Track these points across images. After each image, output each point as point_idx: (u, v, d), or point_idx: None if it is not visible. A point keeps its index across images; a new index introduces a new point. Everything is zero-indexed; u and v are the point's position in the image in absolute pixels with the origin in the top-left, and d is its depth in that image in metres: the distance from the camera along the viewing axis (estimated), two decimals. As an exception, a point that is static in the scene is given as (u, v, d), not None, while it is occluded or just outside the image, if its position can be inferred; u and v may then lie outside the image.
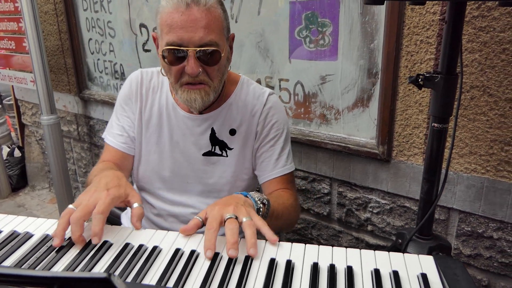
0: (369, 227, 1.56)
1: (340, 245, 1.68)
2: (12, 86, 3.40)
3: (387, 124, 1.37)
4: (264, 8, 1.59)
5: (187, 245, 0.83)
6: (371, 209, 1.53)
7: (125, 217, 1.43)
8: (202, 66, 0.99)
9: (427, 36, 1.23)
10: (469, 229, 1.32)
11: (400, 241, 1.18)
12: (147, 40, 2.09)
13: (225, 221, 0.81)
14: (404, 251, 1.12)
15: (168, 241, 0.84)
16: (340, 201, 1.61)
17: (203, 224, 0.86)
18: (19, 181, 3.37)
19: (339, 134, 1.53)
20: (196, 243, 0.83)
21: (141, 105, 1.20)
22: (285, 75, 1.62)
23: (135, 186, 1.30)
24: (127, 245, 0.83)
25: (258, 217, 0.84)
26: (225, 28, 1.03)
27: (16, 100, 3.37)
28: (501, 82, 1.14)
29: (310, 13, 1.47)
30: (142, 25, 2.09)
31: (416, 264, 0.76)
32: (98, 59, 2.42)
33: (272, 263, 0.75)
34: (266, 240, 0.83)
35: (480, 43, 1.14)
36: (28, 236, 0.87)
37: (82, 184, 2.99)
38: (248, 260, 0.76)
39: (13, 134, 4.55)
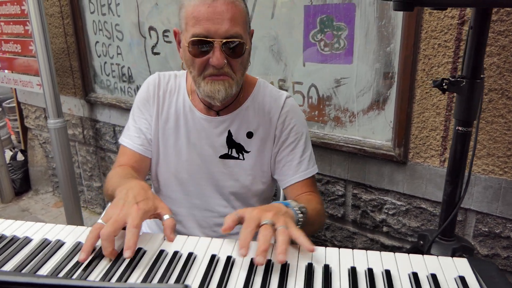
0: (385, 229, 1.58)
1: (354, 247, 1.69)
2: (15, 89, 3.38)
3: (403, 127, 1.39)
4: (278, 11, 1.60)
5: (221, 251, 0.83)
6: (386, 211, 1.55)
7: (144, 224, 1.43)
8: (227, 58, 1.00)
9: (445, 40, 1.24)
10: (486, 229, 1.34)
11: (421, 242, 1.19)
12: (156, 43, 2.09)
13: (260, 226, 0.81)
14: (427, 252, 1.13)
15: (202, 247, 0.85)
16: (355, 203, 1.62)
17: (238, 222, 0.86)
18: (22, 185, 3.35)
19: (354, 137, 1.54)
20: (230, 248, 0.84)
21: (158, 107, 1.20)
22: (299, 78, 1.63)
23: (153, 189, 1.30)
24: (161, 252, 0.83)
25: (295, 227, 0.83)
26: (248, 22, 1.05)
27: (18, 103, 3.35)
28: (520, 85, 1.16)
29: (325, 17, 1.48)
30: (151, 28, 2.09)
31: (452, 267, 0.77)
32: (105, 62, 2.42)
33: (310, 268, 0.76)
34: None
35: (499, 47, 1.16)
36: (60, 244, 0.87)
37: (87, 187, 2.98)
38: (285, 266, 0.77)
39: (13, 137, 4.52)
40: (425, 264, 0.78)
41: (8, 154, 3.41)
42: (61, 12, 2.51)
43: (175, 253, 0.82)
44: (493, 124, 1.23)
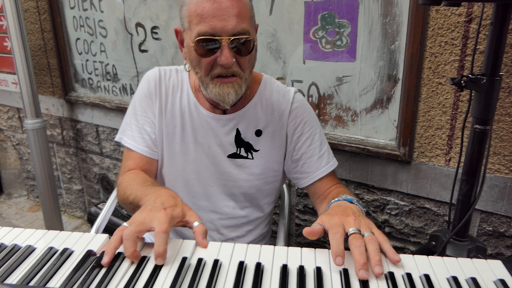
0: (387, 229, 1.56)
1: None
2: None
3: (409, 126, 1.37)
4: (277, 7, 1.55)
5: (247, 257, 0.78)
6: (389, 211, 1.53)
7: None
8: (235, 57, 0.95)
9: (452, 37, 1.23)
10: (490, 228, 1.34)
11: (433, 243, 1.18)
12: (144, 40, 2.00)
13: (348, 235, 0.76)
14: (441, 253, 1.11)
15: (225, 253, 0.79)
16: (356, 203, 1.60)
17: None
18: (-6, 189, 3.15)
19: (356, 136, 1.52)
20: (256, 256, 0.79)
21: (161, 104, 1.13)
22: (298, 76, 1.59)
23: None
24: (184, 259, 0.77)
25: (379, 231, 0.80)
26: (253, 16, 1.00)
27: (-12, 103, 3.14)
28: (528, 83, 1.16)
29: (326, 14, 1.45)
30: (138, 25, 1.99)
31: (488, 270, 0.75)
32: (87, 60, 2.30)
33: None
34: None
35: (507, 45, 1.16)
36: (69, 252, 0.79)
37: (66, 190, 2.84)
38: (320, 272, 0.72)
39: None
40: (461, 268, 0.76)
41: (-22, 157, 3.20)
42: (37, 7, 2.37)
43: (200, 260, 0.76)
44: (500, 122, 1.23)
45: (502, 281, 0.71)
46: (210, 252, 0.79)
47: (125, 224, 0.77)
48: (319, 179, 1.12)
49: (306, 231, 0.80)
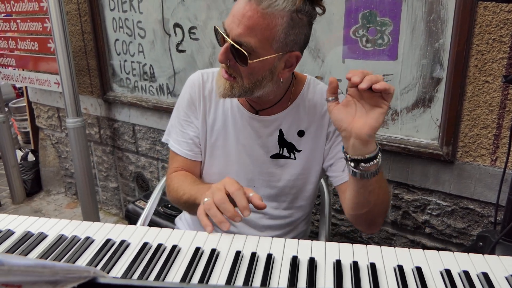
0: (427, 230, 1.54)
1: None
2: (25, 88, 3.32)
3: (452, 125, 1.35)
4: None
5: (299, 253, 0.79)
6: (430, 211, 1.51)
7: (180, 221, 1.39)
8: (232, 61, 0.95)
9: (500, 34, 1.21)
10: (539, 230, 1.30)
11: (481, 243, 1.15)
12: (182, 40, 2.05)
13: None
14: (490, 254, 1.09)
15: (278, 248, 0.81)
16: (396, 203, 1.58)
17: None
18: (34, 186, 3.28)
19: (397, 135, 1.51)
20: (308, 250, 0.80)
21: (204, 108, 1.16)
22: (337, 76, 1.59)
23: None
24: (238, 252, 0.79)
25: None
26: (280, 42, 0.93)
27: (29, 102, 3.28)
28: None
29: (368, 12, 1.44)
30: (176, 25, 2.04)
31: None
32: (125, 60, 2.37)
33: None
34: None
35: (561, 41, 1.13)
36: (126, 244, 0.82)
37: (103, 188, 2.93)
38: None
39: (19, 137, 4.45)
40: (517, 266, 0.74)
41: (19, 154, 3.35)
42: (78, 9, 2.46)
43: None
44: (551, 121, 1.19)
45: None
46: (261, 246, 0.81)
47: (205, 199, 0.88)
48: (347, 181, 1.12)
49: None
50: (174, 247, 0.81)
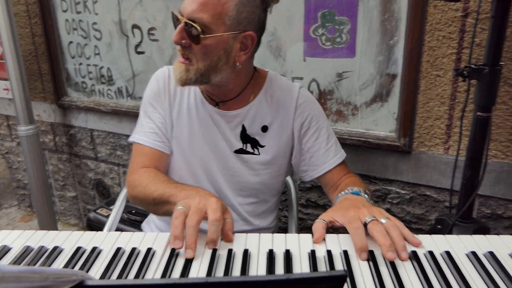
0: (389, 218, 1.61)
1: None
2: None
3: (408, 117, 1.43)
4: (276, 6, 1.58)
5: (275, 246, 0.81)
6: (390, 200, 1.59)
7: (147, 226, 1.37)
8: (187, 41, 0.97)
9: (449, 31, 1.30)
10: (489, 211, 1.41)
11: (439, 226, 1.23)
12: (141, 41, 2.01)
13: (366, 223, 0.80)
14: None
15: (253, 243, 0.82)
16: (359, 195, 1.65)
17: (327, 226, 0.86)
18: (-17, 199, 3.08)
19: (357, 130, 1.57)
20: (283, 243, 0.82)
21: (170, 101, 1.16)
22: (299, 74, 1.63)
23: None
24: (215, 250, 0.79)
25: (393, 217, 0.83)
26: (232, 18, 0.95)
27: (-26, 111, 3.07)
28: (521, 73, 1.23)
29: (326, 11, 1.49)
30: (134, 26, 2.00)
31: (501, 244, 0.80)
32: (80, 64, 2.28)
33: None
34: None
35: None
36: (98, 251, 0.80)
37: (60, 198, 2.80)
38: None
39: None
40: (477, 243, 0.80)
41: (-36, 167, 3.12)
42: (27, 11, 2.34)
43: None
44: (496, 110, 1.30)
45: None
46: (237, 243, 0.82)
47: (180, 207, 0.81)
48: (329, 170, 1.16)
49: (316, 240, 0.82)
50: (149, 249, 0.80)
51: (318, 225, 0.84)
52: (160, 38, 1.94)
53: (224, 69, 1.02)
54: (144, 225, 1.41)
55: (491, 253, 0.76)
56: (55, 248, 0.81)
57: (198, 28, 0.94)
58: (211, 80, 1.03)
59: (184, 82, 1.01)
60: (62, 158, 2.64)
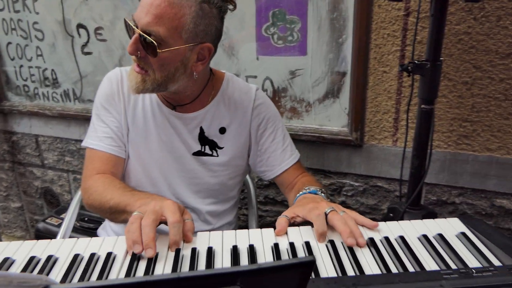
0: (345, 210, 1.68)
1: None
2: None
3: (359, 112, 1.49)
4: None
5: (239, 242, 0.82)
6: (345, 193, 1.65)
7: (103, 232, 1.33)
8: (142, 52, 0.95)
9: (393, 30, 1.37)
10: (435, 198, 1.51)
11: (391, 215, 1.30)
12: (87, 42, 1.93)
13: (326, 214, 0.83)
14: (400, 223, 1.24)
15: (217, 240, 0.82)
16: (315, 189, 1.69)
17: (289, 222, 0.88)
18: None
19: (311, 125, 1.61)
20: (246, 239, 0.83)
21: (124, 104, 1.13)
22: (252, 72, 1.64)
23: None
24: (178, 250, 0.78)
25: (350, 210, 0.87)
26: (189, 31, 0.94)
27: None
28: (458, 68, 1.33)
29: (277, 11, 1.52)
30: (80, 26, 1.92)
31: (449, 226, 0.87)
32: (21, 66, 2.15)
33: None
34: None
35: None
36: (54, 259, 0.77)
37: (3, 210, 2.62)
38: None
39: None
40: (427, 227, 0.86)
41: None
42: (-43, 9, 2.16)
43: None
44: (437, 103, 1.39)
45: (463, 234, 0.82)
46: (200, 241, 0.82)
47: (136, 212, 0.80)
48: (285, 170, 1.19)
49: (278, 232, 0.85)
50: (109, 254, 0.78)
51: (281, 220, 0.87)
52: (108, 38, 1.87)
53: (181, 79, 1.01)
54: (100, 231, 1.36)
55: (440, 235, 0.82)
56: (6, 259, 0.76)
57: (154, 42, 0.91)
58: (168, 88, 1.02)
59: (140, 91, 0.99)
60: (4, 167, 2.47)
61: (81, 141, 2.12)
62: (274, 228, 0.86)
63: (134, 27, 0.94)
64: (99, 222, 1.74)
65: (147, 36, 0.91)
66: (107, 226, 1.31)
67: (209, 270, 0.39)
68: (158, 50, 0.92)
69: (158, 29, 0.91)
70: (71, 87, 2.06)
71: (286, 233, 0.85)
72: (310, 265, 0.40)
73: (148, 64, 0.96)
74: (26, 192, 2.48)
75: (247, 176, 1.44)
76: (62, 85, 2.08)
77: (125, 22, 0.98)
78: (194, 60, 1.00)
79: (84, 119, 2.03)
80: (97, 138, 1.11)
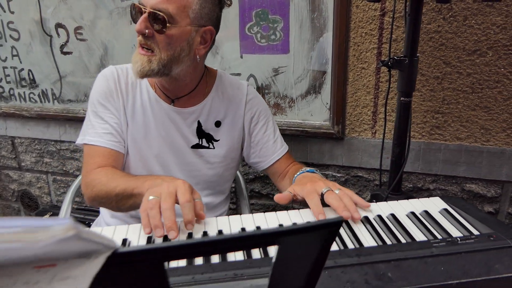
0: (327, 200, 1.76)
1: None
2: None
3: (340, 107, 1.58)
4: (212, 6, 1.64)
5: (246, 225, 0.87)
6: (328, 184, 1.73)
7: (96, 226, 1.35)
8: (151, 31, 0.99)
9: (370, 29, 1.47)
10: (411, 185, 1.62)
11: (374, 201, 1.39)
12: (67, 41, 1.91)
13: (323, 194, 0.90)
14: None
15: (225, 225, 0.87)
16: (299, 181, 1.77)
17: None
18: None
19: (295, 120, 1.69)
20: (251, 222, 0.88)
21: (123, 101, 1.16)
22: (236, 70, 1.70)
23: None
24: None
25: (345, 188, 0.94)
26: (195, 12, 1.01)
27: None
28: (430, 64, 1.44)
29: (260, 11, 1.58)
30: (59, 25, 1.90)
31: (432, 204, 0.95)
32: (-4, 66, 2.10)
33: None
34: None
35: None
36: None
37: (-25, 215, 2.53)
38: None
39: None
40: (413, 205, 0.95)
41: None
42: None
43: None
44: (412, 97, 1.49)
45: (445, 210, 0.92)
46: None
47: (151, 197, 0.82)
48: (277, 160, 1.26)
49: (277, 197, 0.93)
50: (124, 240, 0.81)
51: (286, 192, 0.95)
52: (89, 38, 1.87)
53: (185, 61, 1.05)
54: (93, 227, 1.38)
55: (426, 212, 0.91)
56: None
57: (164, 16, 0.97)
58: (172, 71, 1.06)
59: (146, 74, 1.02)
60: (-24, 172, 2.39)
61: (61, 141, 2.12)
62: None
63: (143, 8, 0.98)
64: (87, 224, 1.75)
65: (157, 12, 0.96)
66: (101, 222, 1.33)
67: (254, 231, 0.44)
68: (167, 24, 0.98)
69: (168, 6, 0.97)
70: (49, 88, 2.04)
71: (288, 215, 0.91)
72: (338, 224, 0.46)
73: (154, 43, 1.01)
74: (2, 196, 2.41)
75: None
76: (40, 86, 2.05)
77: (133, 5, 1.02)
78: (198, 43, 1.06)
79: (64, 119, 2.01)
80: (96, 135, 1.13)
